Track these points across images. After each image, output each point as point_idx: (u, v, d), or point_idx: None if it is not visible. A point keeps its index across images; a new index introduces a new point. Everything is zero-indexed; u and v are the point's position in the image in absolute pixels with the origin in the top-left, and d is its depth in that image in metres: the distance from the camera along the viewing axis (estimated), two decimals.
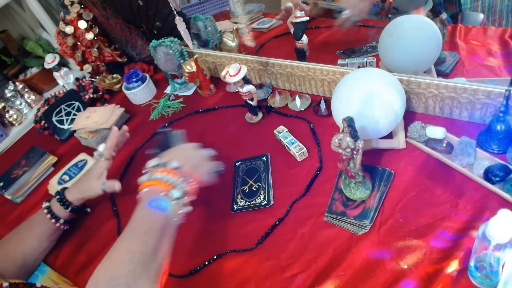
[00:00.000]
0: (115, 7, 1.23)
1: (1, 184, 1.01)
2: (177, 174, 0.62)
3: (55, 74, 1.33)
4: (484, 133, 0.72)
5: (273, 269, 0.66)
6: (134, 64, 1.34)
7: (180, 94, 1.19)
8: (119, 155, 1.03)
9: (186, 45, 1.18)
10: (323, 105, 0.92)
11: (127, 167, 1.00)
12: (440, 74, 0.89)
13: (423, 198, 0.67)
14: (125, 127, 0.91)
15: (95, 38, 1.27)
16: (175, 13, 1.10)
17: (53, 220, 0.79)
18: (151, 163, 0.64)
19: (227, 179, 0.85)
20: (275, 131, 0.88)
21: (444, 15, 0.84)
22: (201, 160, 0.71)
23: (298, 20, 0.95)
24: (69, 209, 0.81)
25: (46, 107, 1.22)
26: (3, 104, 1.33)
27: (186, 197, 0.62)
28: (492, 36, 0.97)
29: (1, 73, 1.56)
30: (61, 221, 0.80)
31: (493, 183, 0.64)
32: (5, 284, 0.60)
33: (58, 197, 0.81)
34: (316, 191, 0.76)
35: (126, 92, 1.20)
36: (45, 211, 0.80)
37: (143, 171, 0.64)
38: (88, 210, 0.88)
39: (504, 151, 0.69)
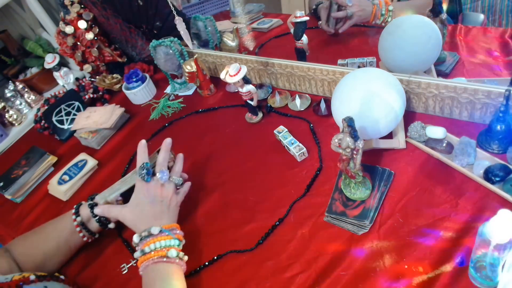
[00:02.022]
0: (115, 7, 1.23)
1: (1, 184, 1.01)
2: (164, 236, 0.66)
3: (55, 74, 1.33)
4: (484, 133, 0.72)
5: (273, 269, 0.66)
6: (134, 64, 1.35)
7: (180, 94, 1.19)
8: (119, 156, 1.04)
9: (186, 45, 1.18)
10: (323, 105, 0.92)
11: (127, 168, 1.00)
12: (440, 74, 0.89)
13: (423, 198, 0.67)
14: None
15: (95, 38, 1.27)
16: (175, 13, 1.10)
17: (75, 223, 0.74)
18: (135, 239, 0.66)
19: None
20: (275, 131, 0.88)
21: (444, 15, 0.84)
22: (165, 206, 0.71)
23: (298, 20, 0.95)
24: (96, 217, 0.75)
25: (46, 107, 1.22)
26: (3, 104, 1.33)
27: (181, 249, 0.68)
28: (492, 36, 0.97)
29: (1, 73, 1.56)
30: (79, 219, 0.74)
31: (493, 183, 0.64)
32: (32, 277, 0.61)
33: (90, 201, 0.77)
34: (316, 191, 0.76)
35: (126, 92, 1.21)
36: (74, 211, 0.76)
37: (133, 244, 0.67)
38: (111, 226, 0.78)
39: (504, 151, 0.69)
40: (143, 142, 0.76)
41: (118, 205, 0.74)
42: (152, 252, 0.63)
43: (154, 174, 0.73)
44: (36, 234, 0.77)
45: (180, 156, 0.80)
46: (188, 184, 0.79)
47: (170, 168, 0.78)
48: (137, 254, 0.65)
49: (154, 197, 0.71)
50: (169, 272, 0.63)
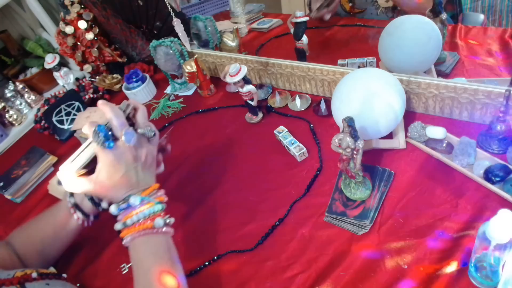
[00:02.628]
0: (115, 7, 1.23)
1: (1, 184, 1.01)
2: (145, 205, 0.60)
3: (55, 74, 1.33)
4: (484, 133, 0.72)
5: (273, 269, 0.65)
6: (134, 64, 1.35)
7: (180, 94, 1.19)
8: None
9: None
10: (323, 105, 0.92)
11: None
12: (440, 74, 0.89)
13: (423, 198, 0.67)
14: None
15: (95, 38, 1.27)
16: (173, 14, 1.10)
17: (69, 204, 0.71)
18: (113, 210, 0.60)
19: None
20: (275, 131, 0.88)
21: (444, 15, 0.84)
22: (140, 170, 0.63)
23: (298, 20, 0.95)
24: (89, 197, 0.71)
25: (46, 107, 1.22)
26: (3, 104, 1.33)
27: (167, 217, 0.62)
28: (492, 36, 0.97)
29: (1, 73, 1.56)
30: (72, 200, 0.71)
31: (493, 183, 0.64)
32: (34, 274, 0.60)
33: None
34: (316, 191, 0.76)
35: (126, 92, 1.21)
36: (68, 193, 0.72)
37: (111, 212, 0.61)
38: (104, 205, 0.72)
39: (504, 151, 0.69)
40: (101, 101, 0.64)
41: (83, 177, 0.63)
42: (136, 225, 0.58)
43: (115, 137, 0.61)
44: (33, 223, 0.76)
45: (135, 102, 0.68)
46: (156, 130, 0.67)
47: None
48: (118, 226, 0.59)
49: (127, 166, 0.61)
50: (158, 244, 0.59)
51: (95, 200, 0.72)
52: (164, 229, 0.60)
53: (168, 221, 0.61)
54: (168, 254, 0.59)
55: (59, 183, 0.97)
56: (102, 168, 0.61)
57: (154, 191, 0.62)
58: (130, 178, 0.62)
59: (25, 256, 0.71)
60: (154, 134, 0.65)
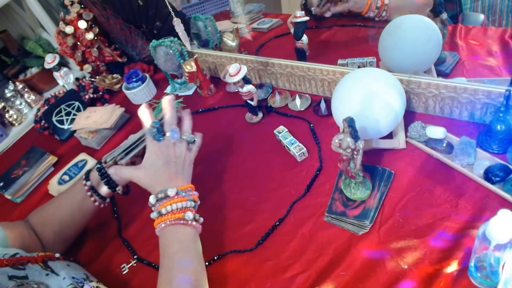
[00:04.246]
0: (115, 7, 1.23)
1: (1, 184, 1.01)
2: (180, 198, 0.65)
3: (55, 74, 1.33)
4: (484, 133, 0.72)
5: (273, 269, 0.66)
6: (134, 64, 1.34)
7: (180, 94, 1.19)
8: None
9: None
10: (323, 105, 0.92)
11: None
12: (440, 74, 0.89)
13: (423, 198, 0.67)
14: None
15: (95, 38, 1.27)
16: (173, 14, 1.10)
17: (86, 187, 0.74)
18: (152, 200, 0.66)
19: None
20: (275, 131, 0.88)
21: (444, 15, 0.84)
22: (179, 166, 0.71)
23: (298, 20, 0.95)
24: (105, 179, 0.74)
25: (46, 107, 1.22)
26: (3, 104, 1.33)
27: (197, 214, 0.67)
28: (492, 36, 0.97)
29: (1, 73, 1.56)
30: (89, 183, 0.74)
31: (493, 183, 0.64)
32: (57, 255, 0.63)
33: (98, 165, 0.75)
34: (316, 191, 0.76)
35: (126, 92, 1.21)
36: (84, 176, 0.76)
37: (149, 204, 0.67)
38: (119, 190, 0.76)
39: (504, 151, 0.69)
40: (143, 106, 0.73)
41: (131, 166, 0.73)
42: (169, 214, 0.64)
43: (164, 133, 0.72)
44: (51, 204, 0.78)
45: (187, 111, 0.77)
46: (199, 139, 0.77)
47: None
48: (153, 215, 0.65)
49: (168, 158, 0.69)
50: (186, 234, 0.64)
51: (111, 184, 0.75)
52: (193, 223, 0.65)
53: (197, 217, 0.67)
54: (194, 245, 0.63)
55: (60, 183, 0.97)
56: (147, 155, 0.70)
57: (189, 189, 0.68)
58: (169, 170, 0.69)
59: (43, 236, 0.73)
60: (194, 141, 0.75)
